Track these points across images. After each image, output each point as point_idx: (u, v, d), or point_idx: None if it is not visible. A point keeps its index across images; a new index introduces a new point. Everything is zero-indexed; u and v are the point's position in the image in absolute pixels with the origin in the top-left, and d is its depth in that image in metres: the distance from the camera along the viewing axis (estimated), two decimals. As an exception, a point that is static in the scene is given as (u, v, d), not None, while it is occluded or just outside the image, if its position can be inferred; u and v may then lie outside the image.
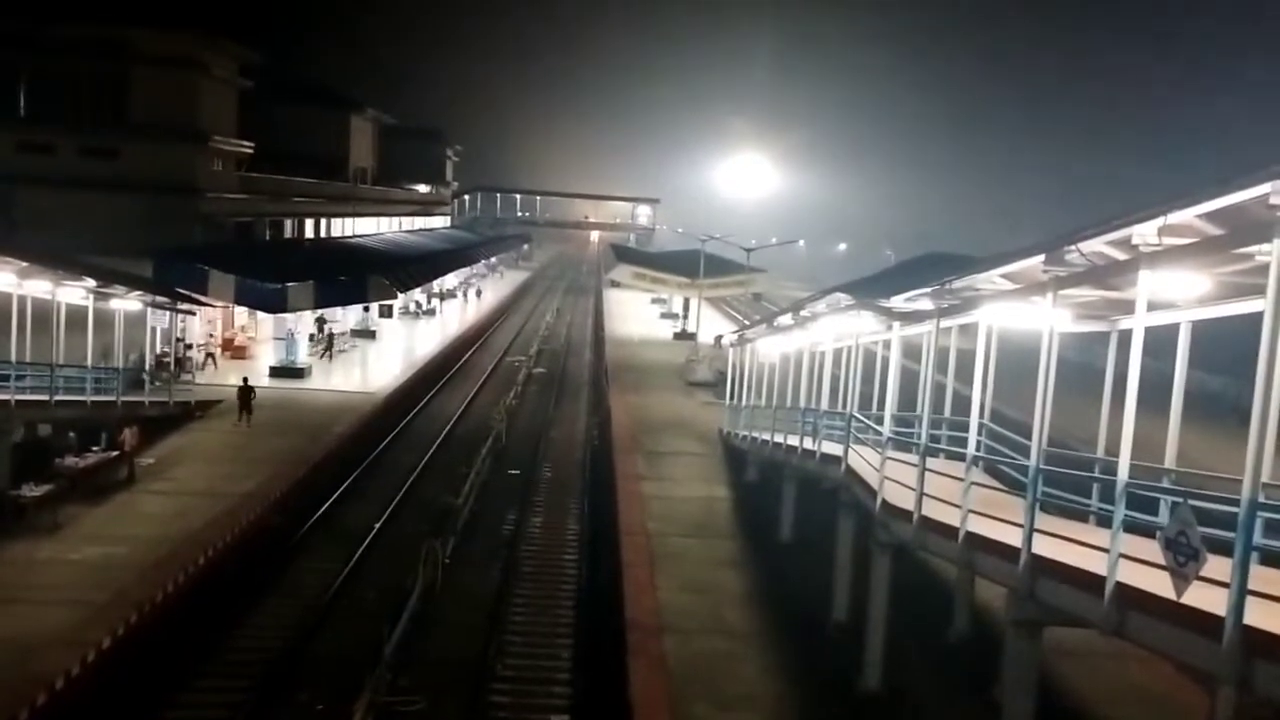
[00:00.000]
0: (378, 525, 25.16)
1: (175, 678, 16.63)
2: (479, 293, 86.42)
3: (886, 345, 17.54)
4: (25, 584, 18.14)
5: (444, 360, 51.22)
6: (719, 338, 50.61)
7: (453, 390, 45.67)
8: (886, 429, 16.09)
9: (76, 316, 27.26)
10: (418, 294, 65.80)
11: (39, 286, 24.82)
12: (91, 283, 26.76)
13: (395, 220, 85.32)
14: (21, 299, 24.79)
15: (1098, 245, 10.43)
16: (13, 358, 24.36)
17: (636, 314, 75.88)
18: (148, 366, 34.32)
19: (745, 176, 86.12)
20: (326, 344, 46.66)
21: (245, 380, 33.12)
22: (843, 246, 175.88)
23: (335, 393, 38.31)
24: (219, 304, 40.89)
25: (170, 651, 17.17)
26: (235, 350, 44.35)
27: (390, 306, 58.66)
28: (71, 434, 25.01)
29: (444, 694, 16.76)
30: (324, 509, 26.15)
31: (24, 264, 23.37)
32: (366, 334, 53.89)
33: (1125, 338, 11.70)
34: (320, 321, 49.55)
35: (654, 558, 21.38)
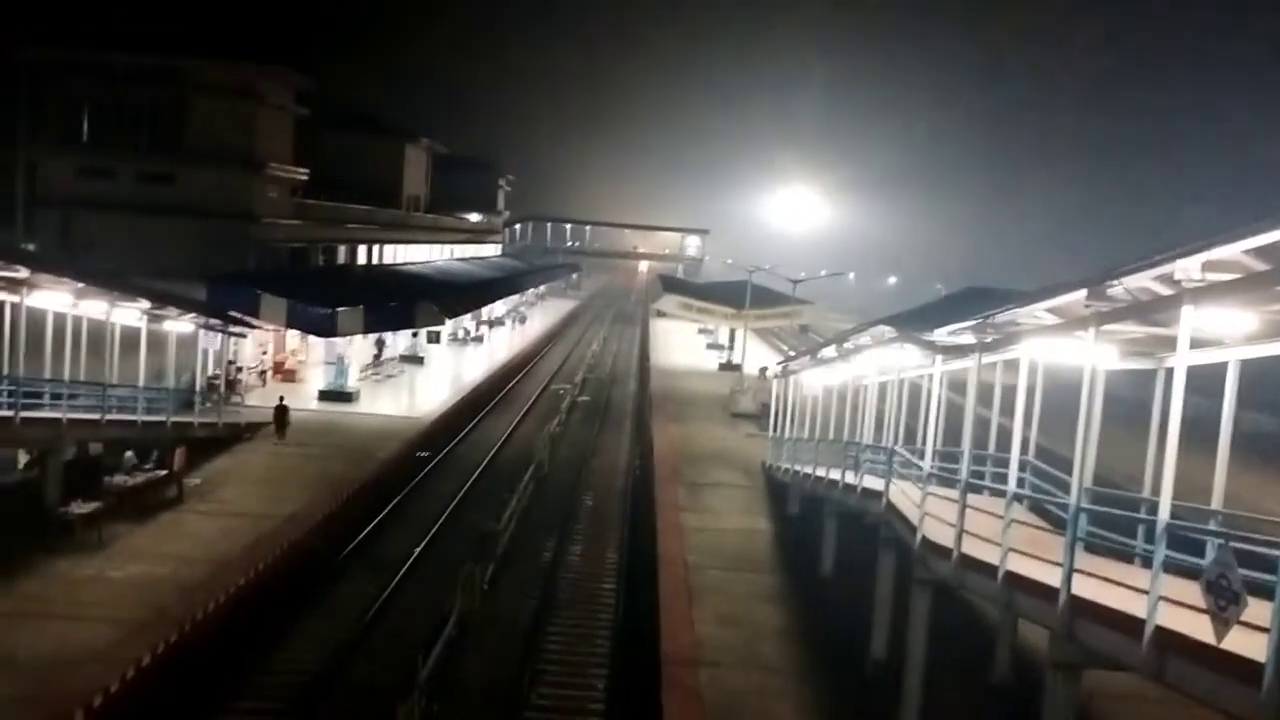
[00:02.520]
0: (418, 550, 25.25)
1: (212, 698, 16.76)
2: (526, 321, 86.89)
3: (930, 379, 17.36)
4: (68, 600, 18.39)
5: (490, 387, 51.49)
6: (764, 369, 50.41)
7: (498, 417, 45.87)
8: (928, 464, 15.88)
9: (130, 338, 27.79)
10: (466, 321, 66.33)
11: (94, 307, 25.33)
12: (146, 304, 27.27)
13: (446, 248, 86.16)
14: (76, 319, 25.30)
15: (1141, 280, 10.26)
16: (66, 377, 24.82)
17: (682, 344, 75.84)
18: (198, 388, 34.82)
19: (795, 208, 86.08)
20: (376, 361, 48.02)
21: (281, 399, 34.04)
22: (893, 280, 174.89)
23: (382, 417, 38.63)
24: (270, 327, 41.46)
25: (208, 671, 17.30)
26: (285, 373, 44.94)
27: (438, 333, 59.14)
28: (129, 453, 25.37)
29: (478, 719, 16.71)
30: (366, 532, 26.31)
31: (80, 285, 23.87)
32: (415, 359, 54.34)
33: (1172, 375, 11.47)
34: (380, 344, 50.86)
35: (692, 590, 21.23)
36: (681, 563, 23.02)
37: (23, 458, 27.74)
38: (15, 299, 22.43)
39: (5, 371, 23.23)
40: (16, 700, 14.40)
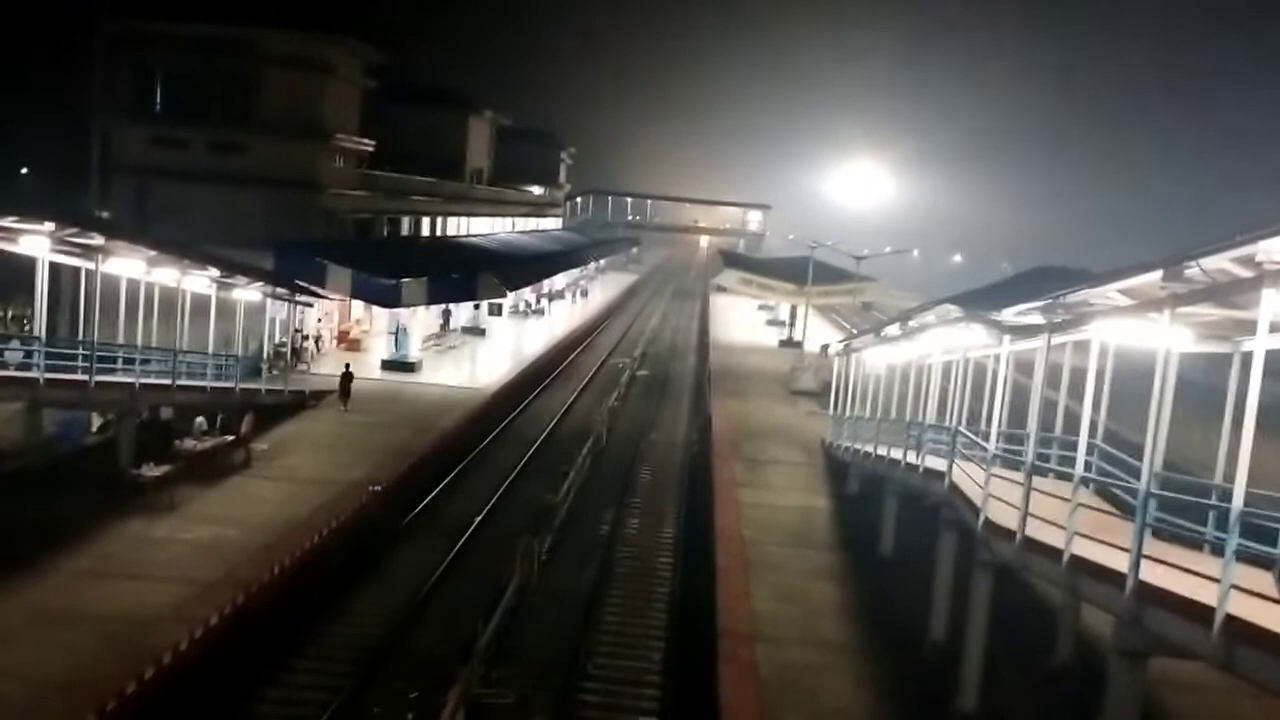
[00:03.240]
0: (478, 519, 25.55)
1: (277, 658, 17.15)
2: (586, 294, 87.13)
3: (996, 359, 17.12)
4: (141, 560, 18.90)
5: (550, 360, 51.77)
6: (825, 346, 50.07)
7: (557, 389, 46.13)
8: (993, 445, 15.69)
9: (200, 305, 28.34)
10: (527, 293, 66.67)
11: (166, 275, 25.86)
12: (215, 272, 27.78)
13: (508, 220, 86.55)
14: (149, 286, 25.84)
15: (1220, 262, 10.00)
16: (139, 343, 25.41)
17: (743, 320, 75.56)
18: (266, 355, 35.45)
19: (859, 184, 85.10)
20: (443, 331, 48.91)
21: (347, 366, 34.73)
22: (958, 259, 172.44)
23: (444, 387, 39.04)
24: (336, 297, 42.03)
25: (274, 632, 17.70)
26: (350, 343, 45.58)
27: (500, 305, 59.54)
28: (200, 419, 25.92)
29: (535, 689, 16.91)
30: (427, 500, 26.66)
31: (153, 253, 24.38)
32: (476, 331, 54.80)
33: (1249, 360, 11.19)
34: (446, 314, 52.06)
35: (749, 565, 21.23)
36: (739, 538, 23.03)
37: (97, 421, 28.52)
38: (90, 265, 22.96)
39: (81, 336, 23.84)
40: (94, 654, 14.85)
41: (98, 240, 22.22)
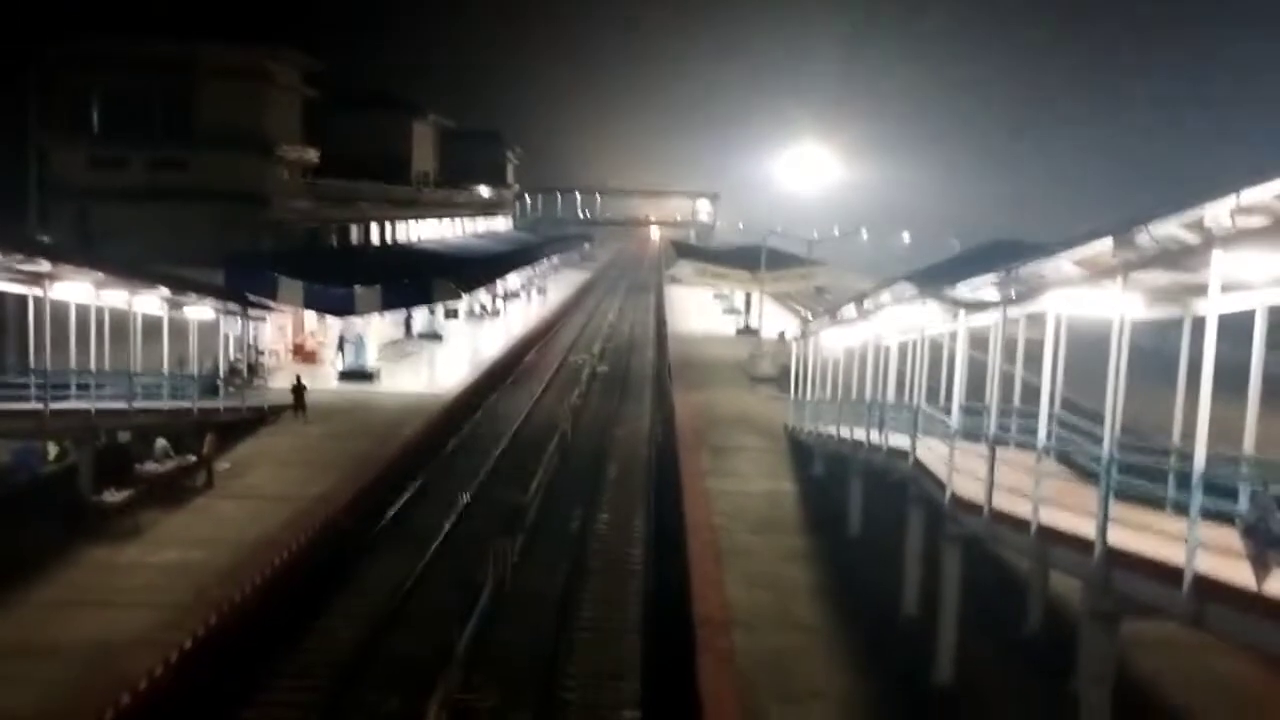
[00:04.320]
0: (448, 525, 25.45)
1: (253, 677, 16.99)
2: (542, 292, 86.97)
3: (953, 336, 17.33)
4: (108, 587, 18.64)
5: (509, 361, 51.64)
6: (782, 332, 50.37)
7: (518, 390, 46.03)
8: (954, 420, 15.89)
9: (152, 326, 27.95)
10: (482, 295, 66.41)
11: (116, 297, 25.49)
12: (166, 292, 27.42)
13: (458, 222, 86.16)
14: (98, 310, 25.45)
15: (1169, 228, 10.19)
16: (92, 367, 25.01)
17: (699, 310, 75.78)
18: (221, 373, 35.05)
19: (805, 168, 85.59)
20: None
21: (299, 378, 34.64)
22: (906, 237, 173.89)
23: (403, 395, 38.81)
24: (288, 309, 41.63)
25: (248, 652, 17.54)
26: (305, 355, 45.14)
27: (455, 309, 59.28)
28: (161, 440, 25.57)
29: (515, 689, 16.91)
30: (395, 510, 26.52)
31: (101, 275, 24.02)
32: (433, 336, 54.52)
33: (1200, 323, 11.43)
34: (409, 320, 52.33)
35: (721, 553, 21.35)
36: (709, 527, 23.15)
37: (53, 450, 28.05)
38: (39, 292, 22.59)
39: (32, 364, 23.46)
40: (65, 685, 14.64)
41: (44, 266, 21.85)
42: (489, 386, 44.48)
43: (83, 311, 24.85)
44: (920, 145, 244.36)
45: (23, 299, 23.20)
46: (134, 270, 26.09)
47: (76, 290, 23.93)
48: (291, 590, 20.09)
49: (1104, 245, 11.31)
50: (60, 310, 24.00)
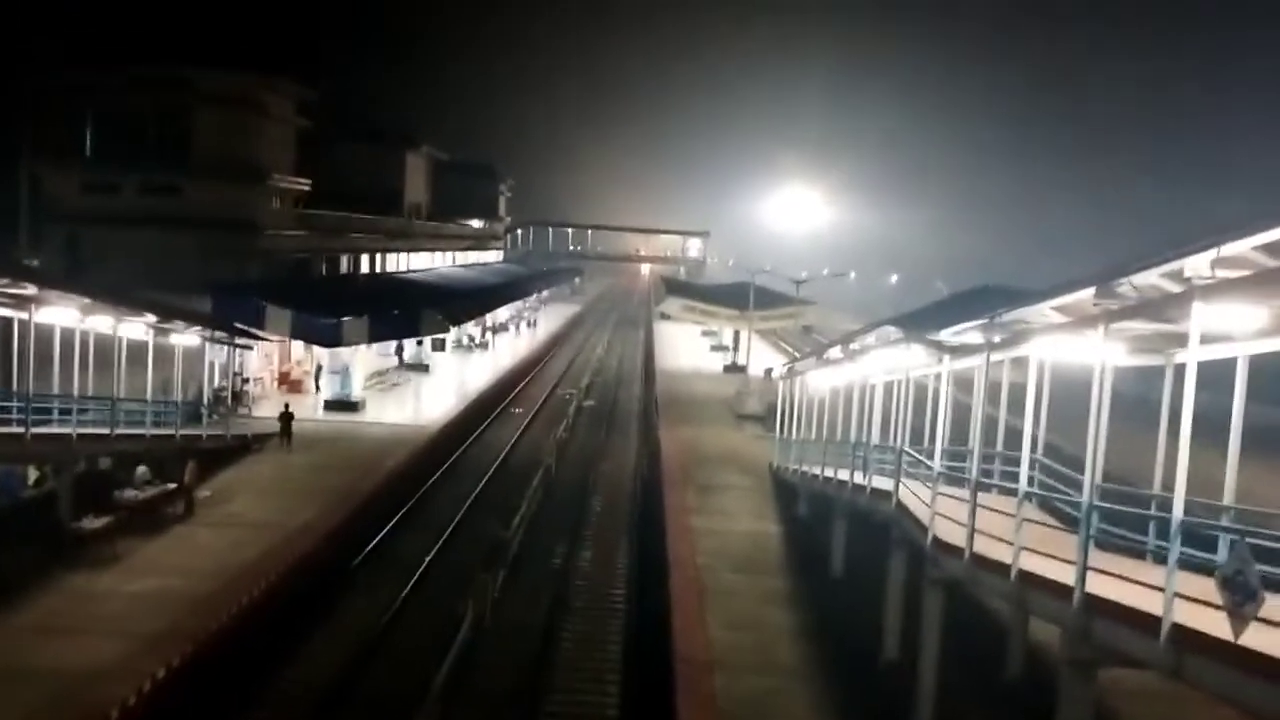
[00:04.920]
0: (429, 558, 25.30)
1: (228, 710, 16.80)
2: (531, 325, 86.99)
3: (937, 379, 17.40)
4: (83, 615, 18.44)
5: (496, 393, 51.55)
6: (769, 370, 50.44)
7: (504, 423, 45.93)
8: (937, 463, 15.91)
9: (137, 351, 27.85)
10: (470, 328, 66.40)
11: (101, 322, 25.41)
12: (152, 318, 27.35)
13: (449, 255, 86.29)
14: (84, 334, 25.36)
15: (1150, 278, 10.31)
16: (75, 392, 24.89)
17: (687, 347, 75.88)
18: (205, 400, 34.89)
19: (796, 209, 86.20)
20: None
21: (286, 407, 34.65)
22: (894, 279, 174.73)
23: (388, 426, 38.68)
24: (275, 338, 41.53)
25: (224, 683, 17.35)
26: (291, 384, 44.99)
27: (443, 340, 59.21)
28: (141, 467, 25.39)
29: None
30: (376, 542, 26.36)
31: (87, 300, 23.96)
32: (420, 367, 54.42)
33: (1182, 372, 11.50)
34: (400, 350, 52.80)
35: (703, 593, 21.26)
36: (692, 566, 23.05)
37: (33, 474, 27.84)
38: (23, 315, 22.50)
39: (15, 388, 23.33)
40: (35, 714, 14.45)
41: (30, 290, 21.78)
42: (475, 419, 44.36)
43: (67, 336, 24.75)
44: (910, 189, 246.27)
45: (8, 322, 23.10)
46: (120, 295, 26.00)
47: (62, 314, 23.84)
48: (270, 620, 19.90)
49: (1086, 293, 11.41)
50: (45, 334, 23.90)
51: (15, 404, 23.11)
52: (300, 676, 18.48)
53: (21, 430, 22.21)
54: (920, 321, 19.60)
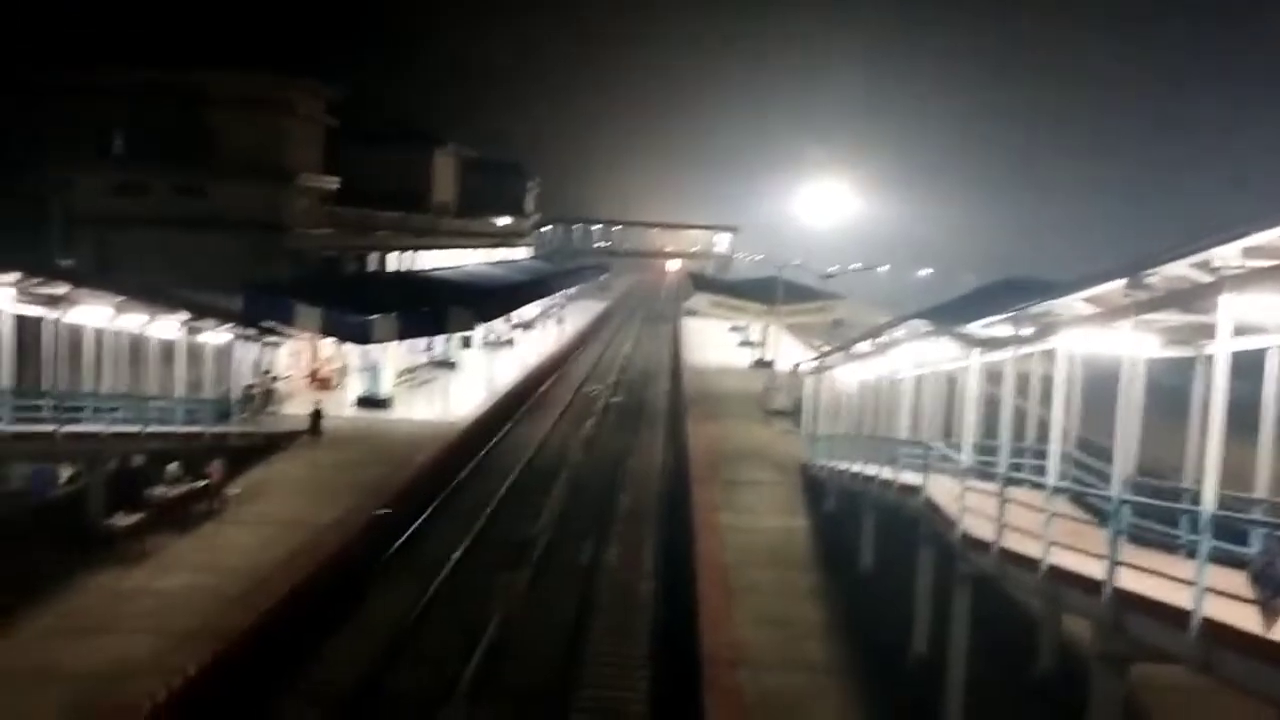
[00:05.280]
0: (456, 554, 25.37)
1: (257, 706, 16.91)
2: (558, 322, 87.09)
3: (966, 372, 17.22)
4: (114, 613, 18.61)
5: (523, 390, 51.63)
6: (797, 365, 50.24)
7: (532, 420, 46.00)
8: (966, 457, 15.76)
9: (168, 350, 28.09)
10: (498, 324, 66.55)
11: (132, 321, 25.64)
12: (183, 316, 27.59)
13: (476, 252, 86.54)
14: (115, 334, 25.59)
15: (1179, 269, 10.13)
16: (106, 390, 25.12)
17: (714, 342, 75.67)
18: (235, 398, 35.15)
19: (825, 202, 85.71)
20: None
21: (317, 405, 35.47)
22: (926, 272, 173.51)
23: (416, 423, 38.82)
24: (304, 336, 41.79)
25: (253, 680, 17.46)
26: (320, 382, 45.24)
27: (470, 337, 59.35)
28: (172, 465, 25.59)
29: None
30: (405, 537, 26.46)
31: (119, 299, 24.19)
32: (447, 364, 54.57)
33: (1212, 363, 11.31)
34: (430, 348, 52.69)
35: (731, 589, 21.18)
36: (719, 562, 22.98)
37: (65, 472, 28.15)
38: (56, 315, 22.74)
39: (47, 387, 23.58)
40: (65, 714, 14.59)
41: (62, 289, 22.02)
42: (503, 415, 44.46)
43: (99, 335, 24.98)
44: (942, 182, 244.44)
45: (40, 321, 23.35)
46: (151, 294, 26.23)
47: (93, 314, 24.08)
48: (299, 618, 20.01)
49: (1116, 285, 11.24)
50: (77, 333, 24.15)
51: (47, 402, 23.35)
52: (327, 673, 18.57)
53: (53, 428, 22.45)
54: (948, 314, 19.42)
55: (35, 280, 21.23)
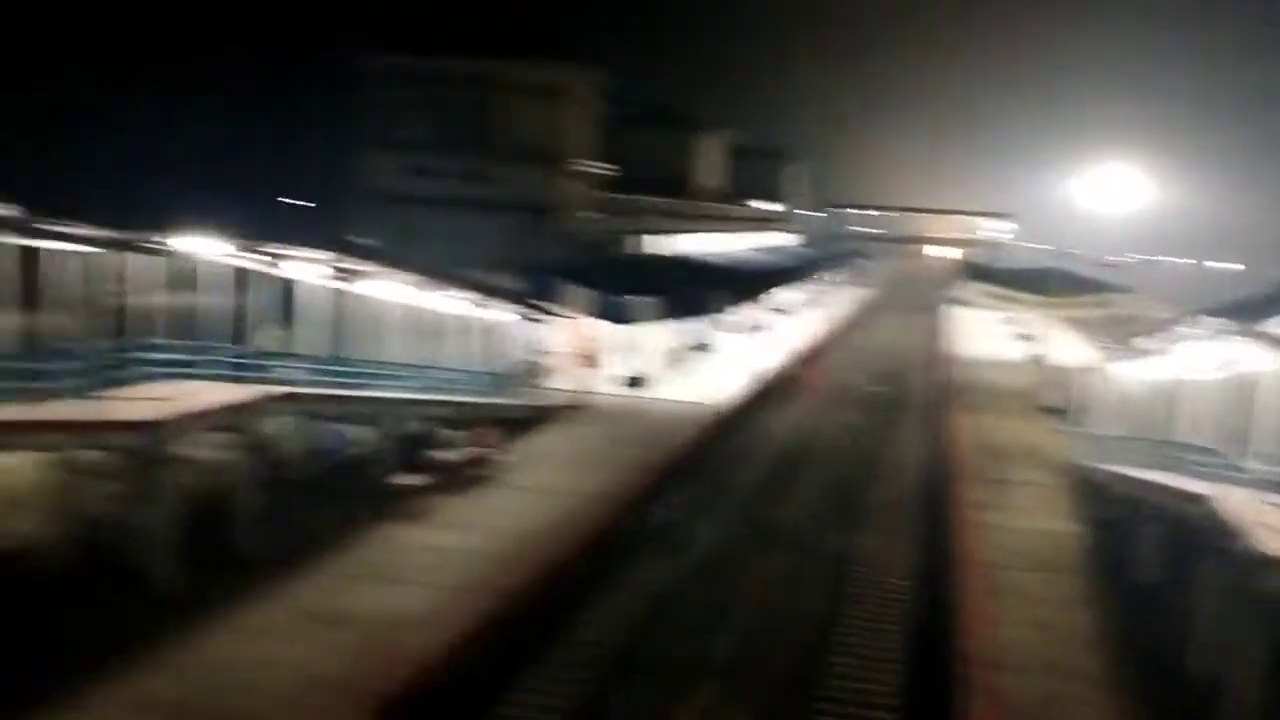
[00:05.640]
0: (711, 532, 25.78)
1: (525, 662, 17.88)
2: (819, 308, 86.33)
3: (1265, 375, 15.86)
4: (396, 565, 20.12)
5: (780, 375, 51.56)
6: (1073, 361, 47.60)
7: (788, 405, 45.92)
8: (1262, 468, 14.53)
9: (451, 324, 30.00)
10: (757, 309, 66.76)
11: (422, 296, 27.59)
12: (467, 293, 29.42)
13: (739, 236, 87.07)
14: (406, 307, 27.57)
15: None
16: (393, 359, 27.10)
17: (984, 333, 72.76)
18: (511, 372, 37.04)
19: (1111, 188, 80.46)
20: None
21: (583, 384, 37.04)
22: (1237, 267, 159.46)
23: (676, 403, 39.60)
24: (575, 315, 43.44)
25: (520, 638, 18.46)
26: (585, 359, 46.88)
27: (731, 321, 59.79)
28: (451, 431, 27.37)
29: (769, 707, 16.91)
30: (663, 513, 27.14)
31: (414, 276, 26.13)
32: (704, 348, 55.24)
33: None
34: (695, 331, 53.31)
35: (993, 590, 20.46)
36: (982, 562, 22.22)
37: (356, 433, 30.59)
38: (352, 288, 24.77)
39: (346, 354, 25.73)
40: (357, 653, 15.96)
41: (364, 266, 23.98)
42: (760, 400, 44.62)
43: (390, 308, 26.98)
44: (1261, 167, 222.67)
45: (340, 294, 25.46)
46: (441, 272, 28.13)
47: (388, 288, 26.07)
48: (562, 581, 20.97)
49: None
50: (370, 306, 26.18)
51: (345, 368, 25.47)
52: (590, 637, 19.36)
53: (348, 393, 24.46)
54: (1248, 312, 17.85)
55: (336, 257, 23.24)
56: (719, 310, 49.85)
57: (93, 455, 18.70)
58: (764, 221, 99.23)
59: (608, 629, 19.68)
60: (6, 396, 17.63)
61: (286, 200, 69.50)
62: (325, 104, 51.96)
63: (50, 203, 17.56)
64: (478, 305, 31.29)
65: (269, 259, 22.58)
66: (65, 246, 18.18)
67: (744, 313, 61.59)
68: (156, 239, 20.12)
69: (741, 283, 52.67)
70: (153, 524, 17.81)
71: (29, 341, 18.79)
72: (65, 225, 17.60)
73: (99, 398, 18.38)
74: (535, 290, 39.44)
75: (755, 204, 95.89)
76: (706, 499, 29.42)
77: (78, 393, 18.33)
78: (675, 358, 49.79)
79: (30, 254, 17.74)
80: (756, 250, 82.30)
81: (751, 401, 43.33)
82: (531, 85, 48.74)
